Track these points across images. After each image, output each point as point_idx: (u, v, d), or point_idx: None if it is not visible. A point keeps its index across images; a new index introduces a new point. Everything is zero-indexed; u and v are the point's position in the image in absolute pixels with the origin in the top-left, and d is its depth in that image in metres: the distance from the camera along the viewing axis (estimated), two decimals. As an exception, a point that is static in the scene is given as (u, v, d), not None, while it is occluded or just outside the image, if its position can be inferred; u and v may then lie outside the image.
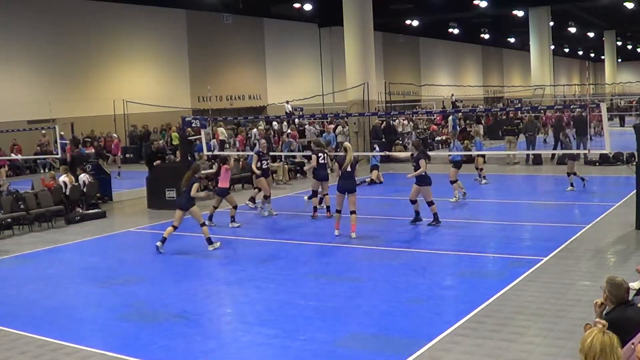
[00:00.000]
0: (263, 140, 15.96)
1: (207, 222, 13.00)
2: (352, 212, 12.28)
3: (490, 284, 8.91)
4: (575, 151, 17.92)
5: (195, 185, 11.78)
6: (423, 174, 12.87)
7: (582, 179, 16.79)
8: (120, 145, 27.40)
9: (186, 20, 36.67)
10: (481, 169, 18.92)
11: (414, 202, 13.18)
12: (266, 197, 14.98)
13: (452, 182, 15.98)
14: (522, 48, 56.82)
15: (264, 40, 41.66)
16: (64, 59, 30.71)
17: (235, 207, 13.96)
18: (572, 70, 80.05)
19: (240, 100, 39.30)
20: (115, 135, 28.66)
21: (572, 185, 16.53)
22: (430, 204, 13.00)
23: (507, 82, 62.69)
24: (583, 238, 11.46)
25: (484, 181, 18.71)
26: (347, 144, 13.44)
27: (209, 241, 11.76)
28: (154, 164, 17.37)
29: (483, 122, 33.48)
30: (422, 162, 12.84)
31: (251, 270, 10.32)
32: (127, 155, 28.76)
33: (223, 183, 13.91)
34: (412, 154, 13.40)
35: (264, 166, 15.11)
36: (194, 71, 37.00)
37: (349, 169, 12.39)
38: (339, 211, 12.51)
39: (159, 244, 11.67)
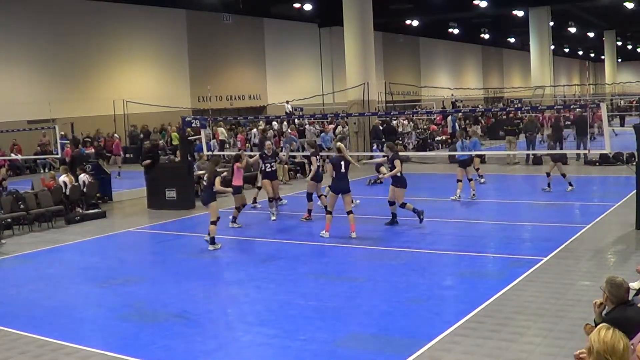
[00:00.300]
0: (268, 142, 15.57)
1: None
2: (349, 213, 12.26)
3: (490, 284, 8.91)
4: (560, 151, 18.01)
5: (219, 179, 11.92)
6: (398, 174, 12.89)
7: (549, 184, 16.74)
8: (120, 145, 27.42)
9: (186, 20, 36.67)
10: (477, 169, 18.93)
11: (392, 203, 13.17)
12: (270, 200, 14.89)
13: (458, 181, 16.04)
14: (522, 48, 56.84)
15: (264, 40, 41.66)
16: (64, 59, 30.71)
17: (238, 209, 13.94)
18: (572, 70, 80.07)
19: (240, 100, 39.31)
20: (117, 135, 28.70)
21: (570, 184, 16.53)
22: (402, 205, 12.97)
23: (507, 82, 62.75)
24: (583, 238, 11.46)
25: (482, 180, 18.72)
26: (339, 144, 13.19)
27: (212, 241, 11.74)
28: (143, 163, 17.37)
29: (483, 122, 33.46)
30: (397, 162, 12.90)
31: (251, 270, 10.32)
32: (127, 155, 28.76)
33: (236, 181, 13.93)
34: (386, 156, 13.42)
35: (267, 169, 14.98)
36: (194, 71, 37.00)
37: (342, 169, 12.34)
38: (330, 212, 12.46)
39: (211, 247, 11.64)
